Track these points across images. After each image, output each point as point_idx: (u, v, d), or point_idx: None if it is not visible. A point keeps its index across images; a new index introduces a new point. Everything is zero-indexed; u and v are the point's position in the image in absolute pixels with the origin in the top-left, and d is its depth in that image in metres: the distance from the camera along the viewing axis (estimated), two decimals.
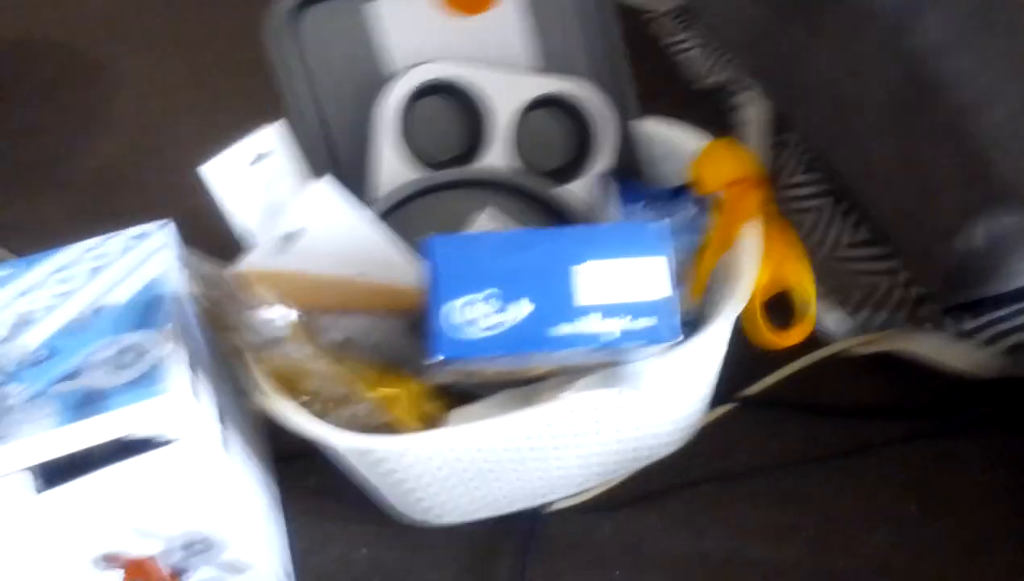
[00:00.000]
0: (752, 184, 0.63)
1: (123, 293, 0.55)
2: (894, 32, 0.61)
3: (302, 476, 0.70)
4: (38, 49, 1.17)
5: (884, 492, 0.66)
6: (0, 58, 1.16)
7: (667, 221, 0.52)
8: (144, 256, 0.57)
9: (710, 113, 0.92)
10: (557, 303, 0.50)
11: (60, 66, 1.14)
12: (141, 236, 0.59)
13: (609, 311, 0.50)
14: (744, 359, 0.67)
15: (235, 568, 0.57)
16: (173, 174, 0.96)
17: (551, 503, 0.66)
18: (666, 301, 0.50)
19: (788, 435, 0.69)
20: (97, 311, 0.54)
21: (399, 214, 0.65)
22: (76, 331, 0.53)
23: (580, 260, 0.50)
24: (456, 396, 0.61)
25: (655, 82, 0.97)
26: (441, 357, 0.49)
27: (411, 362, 0.63)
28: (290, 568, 0.65)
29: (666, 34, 1.00)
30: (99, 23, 1.18)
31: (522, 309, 0.50)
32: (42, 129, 1.05)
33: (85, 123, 1.05)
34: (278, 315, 0.52)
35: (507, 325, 0.50)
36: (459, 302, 0.50)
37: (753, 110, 0.88)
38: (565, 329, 0.50)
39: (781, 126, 0.87)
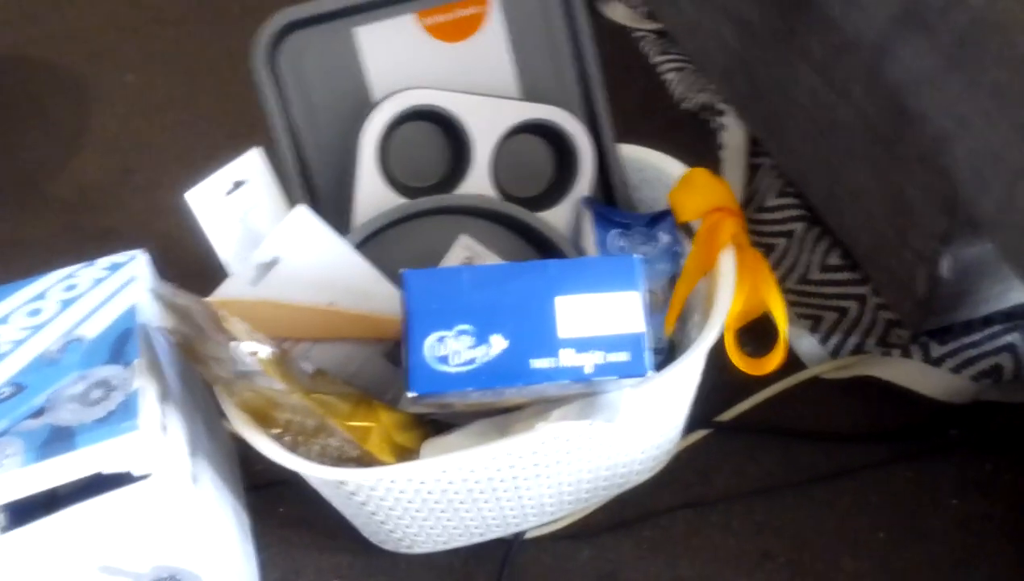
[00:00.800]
0: (728, 213, 0.64)
1: (94, 326, 0.54)
2: (872, 62, 0.62)
3: (274, 504, 0.69)
4: (21, 66, 1.16)
5: (858, 517, 0.66)
6: None
7: (640, 256, 0.52)
8: (115, 288, 0.57)
9: (696, 134, 0.92)
10: (531, 338, 0.50)
11: (43, 84, 1.13)
12: (114, 267, 0.59)
13: (583, 346, 0.50)
14: (719, 384, 0.68)
15: None
16: (154, 195, 0.96)
17: (526, 531, 0.66)
18: (638, 336, 0.51)
19: (763, 460, 0.70)
20: (66, 345, 0.53)
21: (377, 242, 0.65)
22: (44, 366, 0.52)
23: (554, 295, 0.51)
24: (431, 426, 0.61)
25: (643, 101, 0.98)
26: (417, 392, 0.49)
27: (389, 390, 0.63)
28: None
29: (651, 54, 1.01)
30: (84, 41, 1.17)
31: (498, 344, 0.50)
32: (23, 146, 1.04)
33: (67, 141, 1.04)
34: (250, 350, 0.51)
35: (482, 360, 0.50)
36: (434, 337, 0.50)
37: (730, 135, 0.88)
38: (539, 364, 0.50)
39: (756, 150, 0.88)
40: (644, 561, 0.65)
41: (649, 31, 1.04)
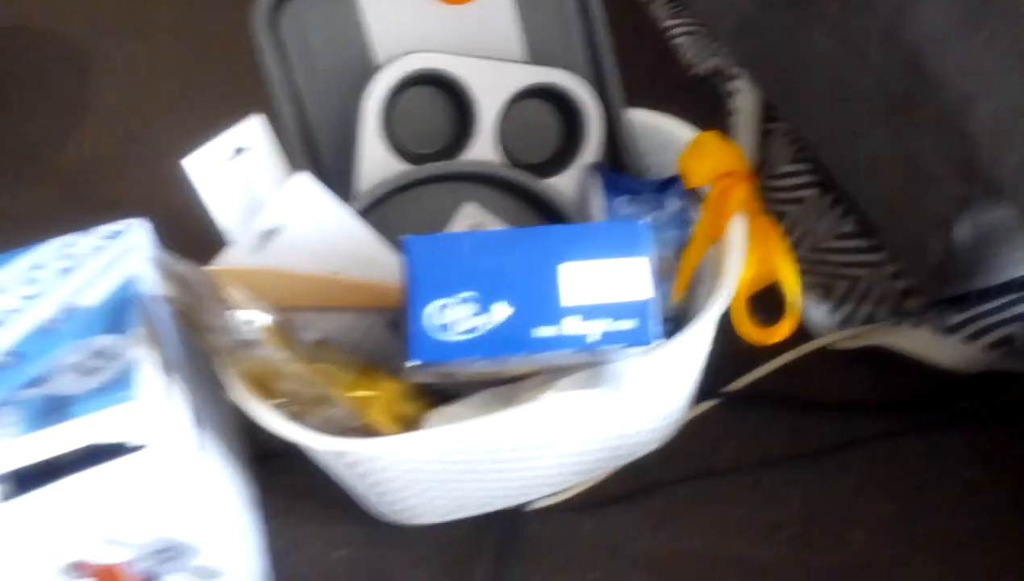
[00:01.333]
0: (739, 178, 0.62)
1: (94, 295, 0.53)
2: (890, 22, 0.60)
3: (280, 475, 0.69)
4: (22, 36, 1.15)
5: (868, 489, 0.65)
6: None
7: (648, 220, 0.50)
8: (116, 256, 0.56)
9: (705, 100, 0.91)
10: (537, 305, 0.49)
11: (44, 55, 1.12)
12: (114, 235, 0.58)
13: (590, 313, 0.49)
14: (728, 354, 0.66)
15: (208, 573, 0.56)
16: (156, 166, 0.95)
17: (531, 502, 0.66)
18: (647, 303, 0.49)
19: (772, 431, 0.69)
20: (66, 314, 0.53)
21: (381, 209, 0.64)
22: (44, 335, 0.51)
23: (560, 261, 0.49)
24: (435, 395, 0.60)
25: (652, 67, 0.96)
26: (418, 361, 0.48)
27: (392, 360, 0.62)
28: (265, 570, 0.64)
29: (662, 18, 0.99)
30: (85, 11, 1.16)
31: (501, 311, 0.49)
32: (24, 118, 1.03)
33: (68, 112, 1.03)
34: (252, 318, 0.51)
35: (486, 328, 0.49)
36: (437, 305, 0.49)
37: (742, 99, 0.87)
38: (545, 332, 0.49)
39: (768, 116, 0.86)
40: (651, 533, 0.64)
41: None
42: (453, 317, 0.49)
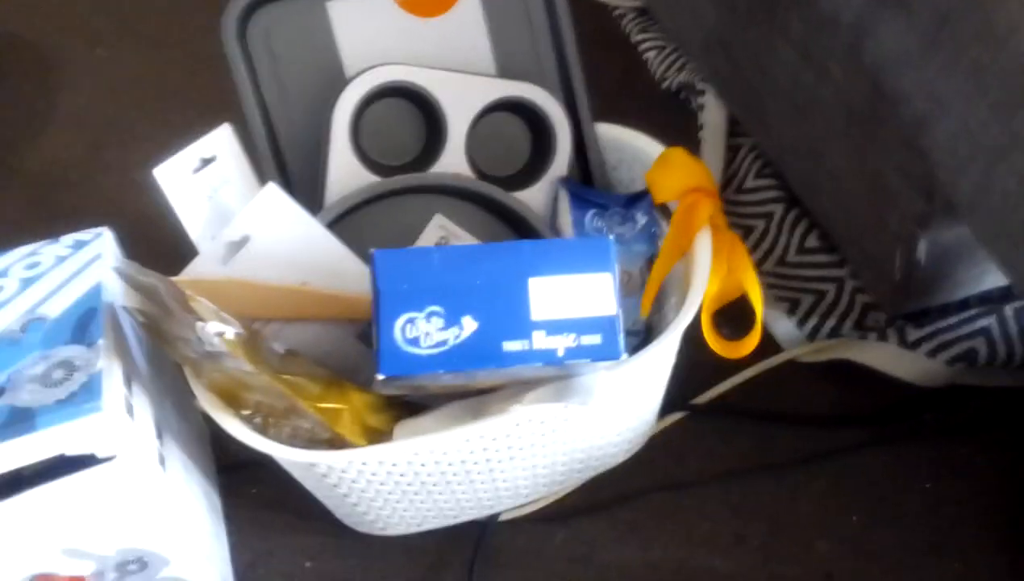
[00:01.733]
0: (705, 194, 0.63)
1: (56, 306, 0.53)
2: (851, 41, 0.61)
3: (246, 486, 0.68)
4: None
5: (832, 501, 0.66)
6: None
7: (612, 237, 0.51)
8: (79, 266, 0.55)
9: (674, 114, 0.92)
10: (502, 320, 0.49)
11: (11, 58, 1.10)
12: (77, 245, 0.57)
13: (554, 328, 0.50)
14: (695, 367, 0.67)
15: None
16: (123, 173, 0.95)
17: (501, 513, 0.66)
18: (611, 319, 0.50)
19: (738, 443, 0.70)
20: (28, 324, 0.52)
21: (349, 221, 0.64)
22: (4, 346, 0.51)
23: (525, 277, 0.50)
24: (404, 407, 0.60)
25: (623, 80, 0.97)
26: (387, 375, 0.48)
27: (361, 372, 0.62)
28: None
29: (631, 33, 1.00)
30: (52, 14, 1.15)
31: (468, 326, 0.49)
32: None
33: (33, 118, 1.02)
34: (216, 331, 0.50)
35: (452, 342, 0.49)
36: (403, 319, 0.49)
37: (710, 114, 0.88)
38: (511, 346, 0.49)
39: (736, 131, 0.87)
40: (619, 543, 0.65)
41: (629, 8, 1.03)
42: (422, 331, 0.49)
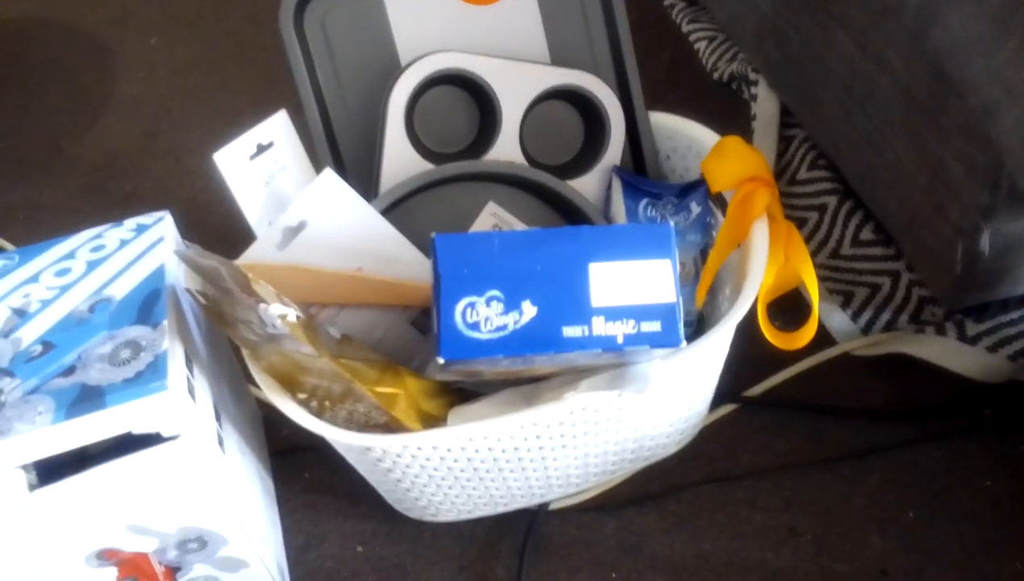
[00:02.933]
0: (762, 183, 0.62)
1: (121, 287, 0.54)
2: (915, 28, 0.60)
3: (298, 471, 0.69)
4: (45, 29, 1.15)
5: (887, 495, 0.65)
6: (7, 37, 1.15)
7: (672, 223, 0.51)
8: (142, 249, 0.56)
9: (726, 104, 0.91)
10: (562, 306, 0.49)
11: (67, 48, 1.12)
12: (139, 228, 0.58)
13: (613, 314, 0.49)
14: (748, 359, 0.67)
15: (230, 565, 0.56)
16: (178, 159, 0.96)
17: (551, 502, 0.66)
18: (670, 306, 0.50)
19: (791, 436, 0.69)
20: (94, 305, 0.53)
21: (403, 207, 0.64)
22: (73, 326, 0.52)
23: (585, 262, 0.50)
24: (457, 393, 0.60)
25: (673, 69, 0.97)
26: (448, 358, 0.48)
27: (414, 357, 0.63)
28: (284, 565, 0.64)
29: (683, 21, 0.99)
30: (107, 5, 1.17)
31: (528, 311, 0.49)
32: (47, 110, 1.04)
33: (91, 106, 1.04)
34: (278, 313, 0.51)
35: (512, 327, 0.49)
36: (464, 303, 0.49)
37: (762, 105, 0.87)
38: (570, 332, 0.49)
39: (788, 121, 0.86)
40: (669, 535, 0.65)
41: (677, 1, 1.02)
42: (479, 316, 0.49)
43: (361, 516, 0.67)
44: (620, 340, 0.49)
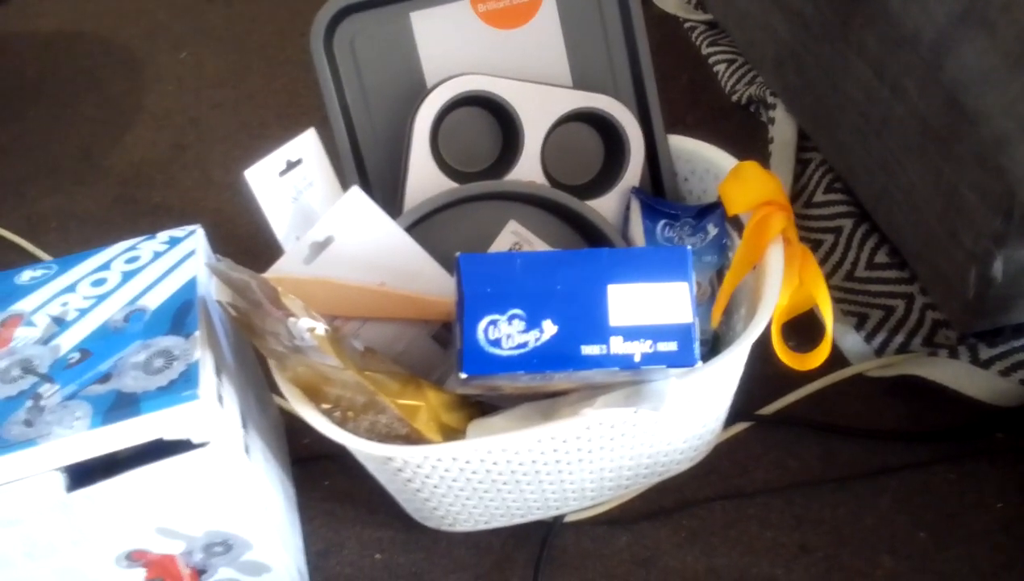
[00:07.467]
0: (778, 207, 0.63)
1: (154, 298, 0.56)
2: (931, 59, 0.61)
3: (318, 479, 0.71)
4: (76, 42, 1.18)
5: (899, 516, 0.66)
6: (38, 50, 1.18)
7: (689, 245, 0.52)
8: (175, 262, 0.58)
9: (743, 126, 0.92)
10: (581, 325, 0.51)
11: (98, 60, 1.15)
12: (172, 241, 0.60)
13: (631, 334, 0.51)
14: (762, 378, 0.68)
15: (253, 570, 0.58)
16: (202, 172, 0.99)
17: (566, 515, 0.67)
18: (687, 326, 0.51)
19: (804, 455, 0.70)
20: (129, 315, 0.55)
21: (427, 225, 0.66)
22: (109, 334, 0.54)
23: (604, 284, 0.51)
24: (476, 407, 0.62)
25: (691, 92, 0.98)
26: (467, 374, 0.50)
27: (435, 370, 0.64)
28: (305, 571, 0.66)
29: (703, 44, 1.01)
30: (139, 19, 1.20)
31: (547, 330, 0.51)
32: (78, 122, 1.07)
33: (122, 117, 1.07)
34: (307, 326, 0.52)
35: (533, 345, 0.50)
36: (486, 321, 0.50)
37: (779, 128, 0.88)
38: (589, 350, 0.51)
39: (804, 145, 0.87)
40: (681, 549, 0.66)
41: (699, 21, 1.04)
42: (503, 332, 0.50)
43: (379, 524, 0.68)
44: (637, 359, 0.51)
